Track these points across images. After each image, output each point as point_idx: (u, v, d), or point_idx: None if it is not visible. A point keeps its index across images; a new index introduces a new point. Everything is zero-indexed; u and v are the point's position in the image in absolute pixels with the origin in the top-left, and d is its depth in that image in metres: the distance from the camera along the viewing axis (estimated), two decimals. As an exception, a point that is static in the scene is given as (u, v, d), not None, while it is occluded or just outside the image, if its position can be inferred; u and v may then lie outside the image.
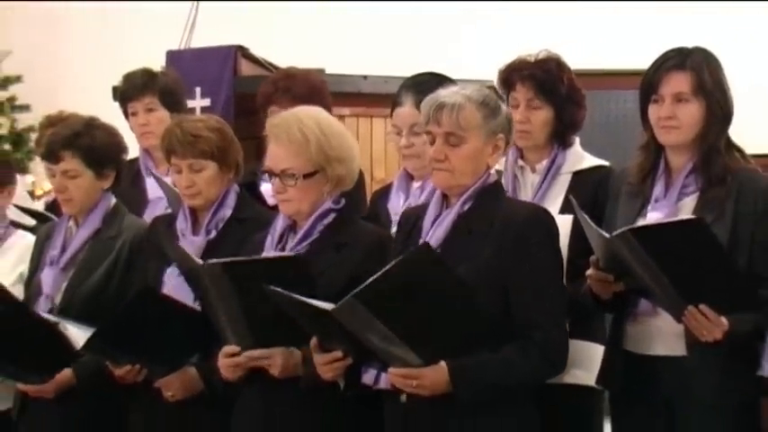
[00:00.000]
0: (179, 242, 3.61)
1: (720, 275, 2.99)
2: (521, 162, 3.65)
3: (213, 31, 6.73)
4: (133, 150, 4.27)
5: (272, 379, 3.22)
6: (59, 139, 3.80)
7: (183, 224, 3.65)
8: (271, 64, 5.86)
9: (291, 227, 3.35)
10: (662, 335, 3.20)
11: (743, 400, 3.17)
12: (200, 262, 3.15)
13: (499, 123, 3.14)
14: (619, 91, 7.10)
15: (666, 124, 3.24)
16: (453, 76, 3.63)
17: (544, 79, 3.57)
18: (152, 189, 4.34)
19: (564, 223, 3.35)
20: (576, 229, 3.29)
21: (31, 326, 3.56)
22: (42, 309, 3.74)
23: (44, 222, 4.30)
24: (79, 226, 3.85)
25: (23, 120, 8.08)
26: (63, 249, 3.83)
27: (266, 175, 3.39)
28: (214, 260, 3.13)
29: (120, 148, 3.90)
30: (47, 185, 6.24)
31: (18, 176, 4.47)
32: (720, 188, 3.19)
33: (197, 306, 3.40)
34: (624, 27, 7.58)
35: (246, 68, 5.90)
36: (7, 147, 7.59)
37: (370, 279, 2.83)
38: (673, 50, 3.28)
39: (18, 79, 8.18)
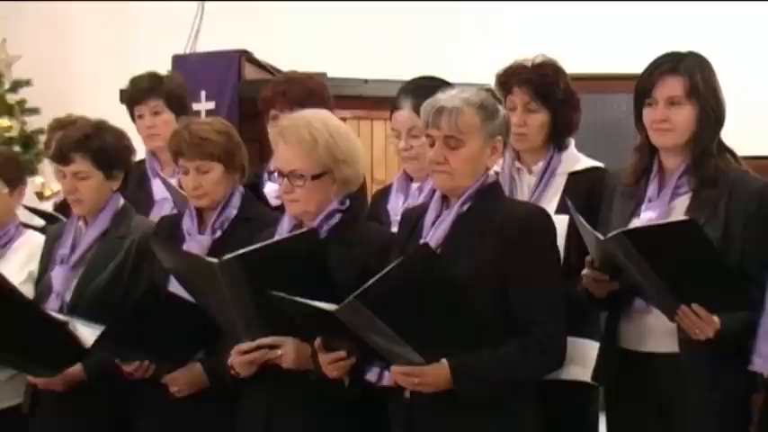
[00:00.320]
0: (185, 242, 3.61)
1: (712, 275, 2.99)
2: (517, 164, 3.65)
3: (218, 37, 6.75)
4: (139, 152, 4.27)
5: (279, 375, 3.21)
6: (70, 142, 3.80)
7: (189, 224, 3.66)
8: (274, 68, 5.88)
9: (298, 227, 3.35)
10: (655, 332, 3.20)
11: (734, 394, 3.17)
12: (215, 260, 3.14)
13: (497, 126, 3.14)
14: (613, 95, 7.10)
15: (660, 127, 3.24)
16: (451, 80, 3.63)
17: (541, 83, 3.57)
18: (158, 190, 4.34)
19: (560, 223, 3.36)
20: (572, 228, 3.30)
21: (42, 324, 3.56)
22: (53, 306, 3.74)
23: (53, 223, 4.30)
24: (88, 226, 3.85)
25: (33, 122, 8.07)
26: (73, 249, 3.83)
27: (270, 175, 3.39)
28: (229, 255, 3.11)
29: (129, 150, 3.91)
30: (55, 187, 6.26)
31: (27, 178, 4.45)
32: (712, 189, 3.19)
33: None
34: (618, 32, 7.57)
35: (250, 73, 5.91)
36: (17, 149, 7.58)
37: (372, 280, 2.83)
38: (666, 55, 3.29)
39: (28, 83, 8.17)
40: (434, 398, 2.99)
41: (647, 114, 3.26)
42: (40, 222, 4.40)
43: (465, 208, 3.13)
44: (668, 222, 3.07)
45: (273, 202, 3.90)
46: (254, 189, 3.93)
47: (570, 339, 3.30)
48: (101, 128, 3.87)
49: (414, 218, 3.26)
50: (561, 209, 3.45)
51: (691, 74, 3.23)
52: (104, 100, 5.50)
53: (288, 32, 7.58)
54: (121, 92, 4.80)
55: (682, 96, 3.22)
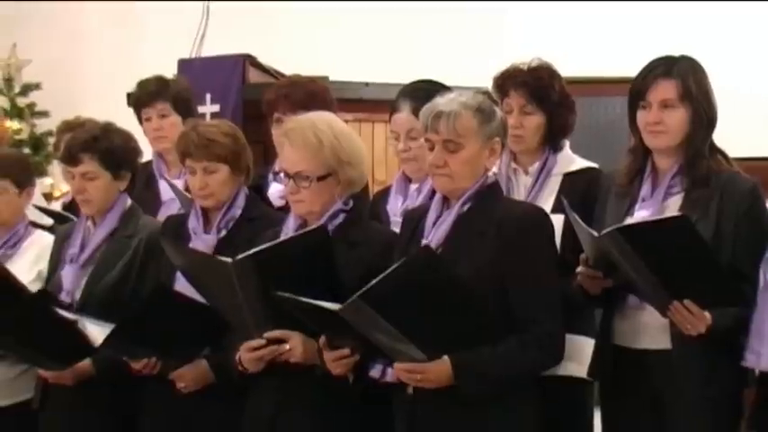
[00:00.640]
0: (191, 241, 3.61)
1: (704, 271, 3.00)
2: (514, 165, 3.65)
3: (222, 41, 6.74)
4: (146, 154, 4.27)
5: (286, 371, 3.21)
6: (79, 143, 3.81)
7: (194, 223, 3.65)
8: (277, 72, 5.87)
9: (302, 227, 3.35)
10: (648, 329, 3.20)
11: (726, 390, 3.17)
12: (228, 260, 3.13)
13: (494, 128, 3.15)
14: (607, 97, 7.10)
15: (654, 129, 3.24)
16: (450, 83, 3.63)
17: (536, 86, 3.57)
18: (165, 191, 4.35)
19: (555, 222, 3.36)
20: (567, 227, 3.30)
21: (51, 322, 3.56)
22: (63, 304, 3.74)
23: (62, 222, 4.30)
24: (97, 226, 3.85)
25: (42, 125, 8.08)
26: (82, 248, 3.83)
27: (275, 177, 3.38)
28: (242, 255, 3.11)
29: (136, 151, 3.92)
30: (64, 187, 6.25)
31: (36, 179, 4.46)
32: (704, 189, 3.20)
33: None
34: (613, 36, 7.57)
35: (254, 76, 5.91)
36: (27, 151, 7.59)
37: (375, 280, 2.83)
38: (660, 59, 3.29)
39: (37, 86, 8.18)
40: (436, 394, 3.00)
41: (641, 117, 3.26)
42: (49, 222, 4.39)
43: (465, 208, 3.13)
44: (661, 219, 3.07)
45: (277, 202, 3.89)
46: (259, 190, 3.93)
47: (566, 336, 3.31)
48: (108, 130, 3.88)
49: (415, 218, 3.26)
50: (557, 209, 3.46)
51: (684, 77, 3.23)
52: (112, 103, 5.51)
53: (290, 37, 7.59)
54: (129, 95, 4.81)
55: (675, 99, 3.22)
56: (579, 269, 3.17)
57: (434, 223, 3.16)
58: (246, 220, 3.62)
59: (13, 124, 7.81)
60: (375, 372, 3.17)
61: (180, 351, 3.50)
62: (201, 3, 7.62)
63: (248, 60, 5.93)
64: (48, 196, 6.49)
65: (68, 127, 4.58)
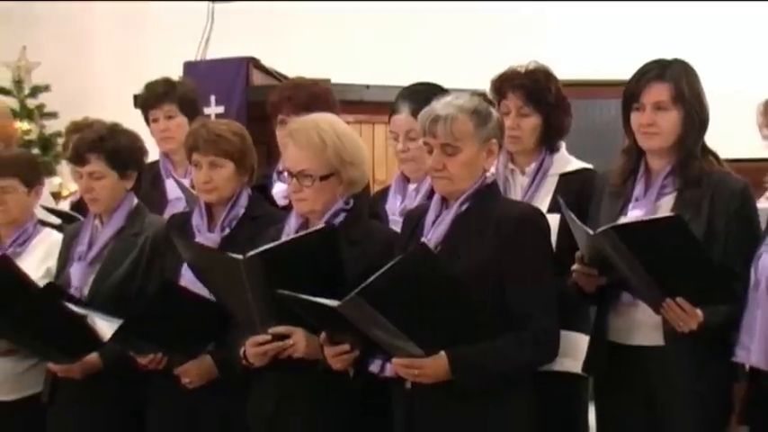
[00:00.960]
0: (195, 239, 3.60)
1: (696, 270, 2.99)
2: (511, 165, 3.65)
3: (227, 44, 6.74)
4: (153, 154, 4.27)
5: (289, 366, 3.22)
6: (86, 143, 3.81)
7: (198, 221, 3.65)
8: (280, 74, 5.86)
9: (304, 225, 3.35)
10: (642, 326, 3.20)
11: (717, 385, 3.17)
12: (239, 257, 3.13)
13: (491, 130, 3.15)
14: (602, 100, 7.11)
15: (647, 131, 3.24)
16: (448, 86, 3.63)
17: (533, 89, 3.57)
18: (171, 190, 4.35)
19: (552, 222, 3.36)
20: (563, 226, 3.29)
21: (61, 315, 3.56)
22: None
23: (70, 221, 4.30)
24: (104, 224, 3.86)
25: (51, 126, 8.10)
26: (90, 246, 3.83)
27: (279, 176, 3.38)
28: (252, 252, 3.11)
29: (142, 151, 3.92)
30: (72, 187, 6.25)
31: (45, 178, 4.46)
32: (696, 189, 3.20)
33: (212, 297, 3.40)
34: (607, 40, 7.59)
35: (258, 78, 5.90)
36: (36, 151, 7.60)
37: (372, 277, 2.84)
38: (653, 62, 3.29)
39: (46, 88, 8.20)
40: (434, 388, 3.00)
41: (635, 118, 3.26)
42: (57, 221, 4.39)
43: (463, 208, 3.13)
44: (655, 218, 3.07)
45: (281, 202, 3.89)
46: (263, 190, 3.93)
47: (562, 332, 3.31)
48: (115, 130, 3.88)
49: (415, 218, 3.26)
50: (553, 208, 3.46)
51: (676, 80, 3.23)
52: (119, 104, 5.51)
53: (293, 40, 7.60)
54: (136, 96, 4.81)
55: (668, 101, 3.22)
56: (574, 267, 3.17)
57: (434, 222, 3.16)
58: (249, 219, 3.62)
59: (23, 125, 7.83)
60: (374, 367, 3.18)
61: (185, 347, 3.50)
62: (207, 7, 7.62)
63: (252, 63, 5.93)
64: (56, 195, 6.49)
65: (77, 128, 4.59)
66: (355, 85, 5.61)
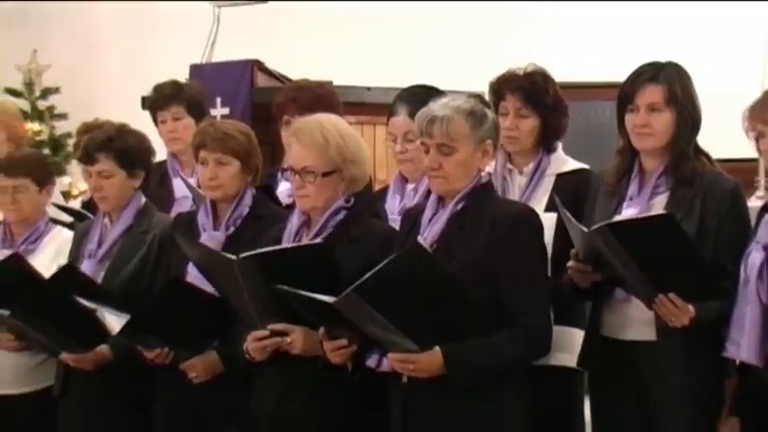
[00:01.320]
0: (201, 237, 3.61)
1: (688, 267, 3.00)
2: (509, 165, 3.65)
3: (232, 48, 6.74)
4: (160, 154, 4.28)
5: (290, 360, 3.22)
6: (95, 143, 3.82)
7: (204, 219, 3.66)
8: (284, 76, 5.87)
9: (306, 222, 3.36)
10: (635, 321, 3.20)
11: (708, 379, 3.18)
12: (233, 257, 3.15)
13: (486, 130, 3.15)
14: (598, 101, 7.10)
15: (641, 131, 3.25)
16: (447, 88, 3.63)
17: (531, 90, 3.57)
18: (178, 189, 4.36)
19: (548, 220, 3.37)
20: (560, 225, 3.30)
21: (73, 306, 3.57)
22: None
23: (80, 219, 4.31)
24: (113, 223, 3.86)
25: (61, 127, 8.11)
26: (99, 244, 3.84)
27: (284, 174, 3.39)
28: (245, 254, 3.13)
29: (149, 150, 3.93)
30: (82, 186, 6.26)
31: (56, 178, 4.47)
32: (689, 188, 3.20)
33: (217, 294, 3.41)
34: (602, 44, 7.59)
35: (262, 81, 5.91)
36: (47, 151, 7.61)
37: (367, 274, 2.84)
38: (647, 65, 3.30)
39: (56, 90, 8.21)
40: (429, 383, 3.00)
41: (629, 119, 3.27)
42: (68, 219, 4.40)
43: (459, 207, 3.14)
44: (648, 216, 3.08)
45: (285, 201, 3.90)
46: (268, 189, 3.93)
47: (558, 328, 3.32)
48: (123, 131, 3.89)
49: (413, 216, 3.26)
50: (550, 207, 3.46)
51: (670, 82, 3.23)
52: (127, 106, 5.52)
53: (297, 44, 7.61)
54: (144, 98, 4.81)
55: (661, 103, 3.23)
56: (570, 264, 3.17)
57: (430, 221, 3.16)
58: (254, 218, 3.62)
59: (34, 126, 7.83)
60: (371, 361, 3.17)
61: (191, 343, 3.50)
62: (212, 11, 7.63)
63: (256, 65, 5.94)
64: (66, 194, 6.50)
65: (87, 128, 4.58)
66: (357, 87, 5.61)
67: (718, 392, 3.22)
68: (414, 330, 2.93)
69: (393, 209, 3.67)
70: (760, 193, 5.57)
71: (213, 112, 5.39)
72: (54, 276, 3.61)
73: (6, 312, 3.64)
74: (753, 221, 3.21)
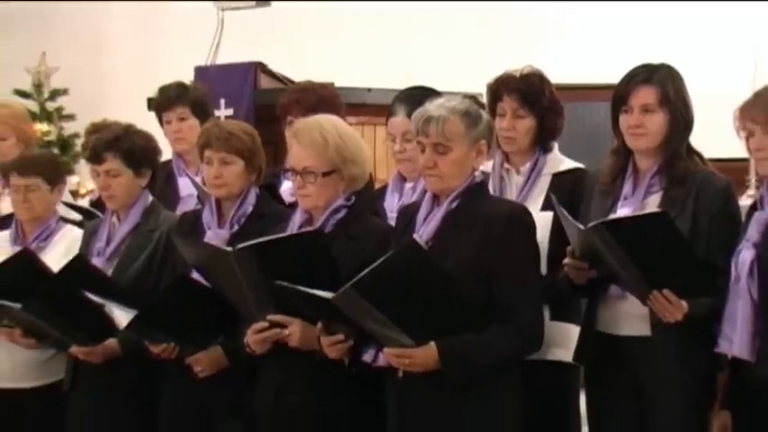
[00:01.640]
0: (206, 235, 3.61)
1: (681, 264, 3.00)
2: (506, 165, 3.65)
3: (235, 50, 6.77)
4: (166, 154, 4.28)
5: (291, 353, 3.22)
6: (103, 143, 3.83)
7: (208, 217, 3.65)
8: (286, 78, 5.89)
9: (308, 221, 3.36)
10: (630, 317, 3.20)
11: (701, 373, 3.18)
12: (229, 249, 3.16)
13: (480, 131, 3.15)
14: (593, 102, 7.11)
15: (635, 132, 3.25)
16: (445, 89, 3.63)
17: (528, 92, 3.57)
18: (184, 188, 4.37)
19: (545, 219, 3.38)
20: (556, 223, 3.30)
21: (82, 300, 3.57)
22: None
23: (89, 217, 4.31)
24: (121, 221, 3.86)
25: (69, 128, 8.11)
26: (108, 242, 3.84)
27: (287, 174, 3.39)
28: (242, 245, 3.13)
29: (156, 150, 3.93)
30: (90, 185, 6.26)
31: (67, 177, 4.47)
32: (682, 188, 3.20)
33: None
34: (597, 46, 7.59)
35: (265, 82, 5.92)
36: (55, 151, 7.60)
37: (365, 271, 2.84)
38: (641, 67, 3.30)
39: (65, 92, 8.21)
40: (425, 377, 3.00)
41: (624, 120, 3.27)
42: (77, 217, 4.40)
43: (453, 205, 3.14)
44: (642, 214, 3.08)
45: (289, 199, 3.90)
46: (271, 188, 3.94)
47: (554, 324, 3.33)
48: (130, 131, 3.89)
49: (409, 214, 3.27)
50: (546, 206, 3.46)
51: (663, 84, 3.23)
52: (134, 107, 5.52)
53: (299, 46, 7.61)
54: (150, 100, 4.82)
55: (655, 104, 3.23)
56: (566, 261, 3.17)
57: (425, 219, 3.17)
58: (257, 217, 3.62)
59: (43, 127, 7.84)
60: (368, 356, 3.17)
61: (197, 338, 3.50)
62: (216, 15, 7.64)
63: (259, 68, 5.95)
64: (74, 193, 6.51)
65: (95, 129, 4.57)
66: (357, 89, 5.62)
67: (710, 386, 3.22)
68: (410, 326, 2.94)
69: (392, 207, 3.67)
70: (751, 191, 5.57)
71: (217, 113, 5.39)
72: (64, 268, 3.61)
73: (18, 306, 3.64)
74: (744, 220, 3.22)
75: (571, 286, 3.25)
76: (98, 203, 4.49)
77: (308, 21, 7.94)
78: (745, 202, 3.40)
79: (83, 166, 6.46)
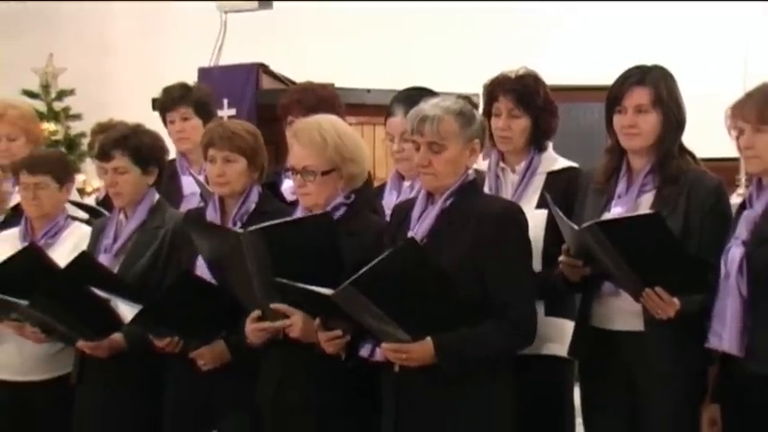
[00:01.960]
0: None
1: (673, 262, 3.00)
2: (502, 164, 3.65)
3: (238, 52, 6.76)
4: (170, 153, 4.28)
5: (292, 346, 3.22)
6: (111, 141, 3.83)
7: (212, 215, 3.65)
8: (288, 79, 5.89)
9: (308, 219, 3.37)
10: (623, 313, 3.20)
11: (693, 368, 3.18)
12: (240, 230, 3.15)
13: (474, 130, 3.15)
14: (587, 103, 7.11)
15: (629, 132, 3.25)
16: (442, 90, 3.63)
17: (523, 92, 3.57)
18: (187, 186, 4.37)
19: (540, 217, 3.38)
20: (551, 221, 3.30)
21: (88, 295, 3.58)
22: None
23: (95, 215, 4.32)
24: (128, 219, 3.86)
25: (76, 127, 8.12)
26: (115, 239, 3.84)
27: (288, 173, 3.39)
28: (252, 227, 3.12)
29: (163, 149, 3.93)
30: (96, 184, 6.27)
31: (75, 176, 4.47)
32: (674, 187, 3.20)
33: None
34: (591, 48, 7.60)
35: (267, 83, 5.92)
36: (62, 150, 7.61)
37: (364, 268, 2.84)
38: (634, 68, 3.29)
39: (71, 92, 8.22)
40: (421, 372, 3.00)
41: (617, 120, 3.27)
42: (84, 215, 4.41)
43: (447, 203, 3.14)
44: (635, 215, 3.08)
45: (290, 197, 3.90)
46: (273, 187, 3.94)
47: (549, 319, 3.33)
48: (137, 130, 3.90)
49: (403, 212, 3.27)
50: (541, 204, 3.46)
51: (656, 85, 3.23)
52: (138, 107, 5.52)
53: (300, 48, 7.61)
54: (154, 100, 4.81)
55: (648, 105, 3.23)
56: (561, 258, 3.17)
57: (419, 217, 3.17)
58: (260, 214, 3.60)
59: (50, 126, 7.85)
60: (365, 351, 3.17)
61: (201, 333, 3.50)
62: (220, 17, 7.64)
63: (261, 69, 5.95)
64: (80, 191, 6.50)
65: (102, 128, 4.60)
66: (357, 90, 5.62)
67: (702, 381, 3.22)
68: (407, 321, 2.94)
69: (390, 204, 3.66)
70: (741, 190, 5.57)
71: (220, 113, 5.39)
72: (70, 265, 3.61)
73: (25, 302, 3.64)
74: (734, 218, 3.22)
75: (566, 283, 3.25)
76: (104, 202, 4.50)
77: (309, 23, 7.94)
78: (735, 200, 3.39)
79: (89, 165, 6.47)
